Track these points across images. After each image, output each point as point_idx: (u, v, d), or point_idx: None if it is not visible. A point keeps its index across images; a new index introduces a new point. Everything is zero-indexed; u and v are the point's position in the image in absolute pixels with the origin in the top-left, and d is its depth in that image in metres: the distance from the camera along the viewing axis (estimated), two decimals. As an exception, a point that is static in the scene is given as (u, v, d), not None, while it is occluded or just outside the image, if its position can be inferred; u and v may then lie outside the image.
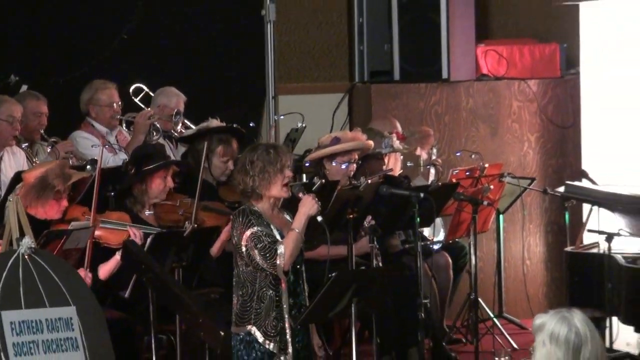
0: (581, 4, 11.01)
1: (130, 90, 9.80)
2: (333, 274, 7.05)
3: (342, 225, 8.17)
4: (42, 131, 9.08)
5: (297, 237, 6.90)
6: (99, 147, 8.25)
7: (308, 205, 6.97)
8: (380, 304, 7.77)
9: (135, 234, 7.83)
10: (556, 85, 11.30)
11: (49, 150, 8.88)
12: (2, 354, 6.38)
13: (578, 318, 5.25)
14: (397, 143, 9.60)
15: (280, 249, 6.85)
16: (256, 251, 6.88)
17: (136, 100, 9.83)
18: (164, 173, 8.32)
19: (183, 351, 7.47)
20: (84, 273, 7.26)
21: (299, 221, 6.94)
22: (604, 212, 9.58)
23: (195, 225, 8.04)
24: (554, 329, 5.23)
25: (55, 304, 6.67)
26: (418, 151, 10.07)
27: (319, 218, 7.01)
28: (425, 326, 8.51)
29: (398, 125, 10.09)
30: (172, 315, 7.56)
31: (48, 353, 6.56)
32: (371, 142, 9.23)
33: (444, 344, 9.35)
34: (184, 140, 9.39)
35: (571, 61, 11.31)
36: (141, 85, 9.86)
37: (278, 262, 6.85)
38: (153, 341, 7.43)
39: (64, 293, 6.75)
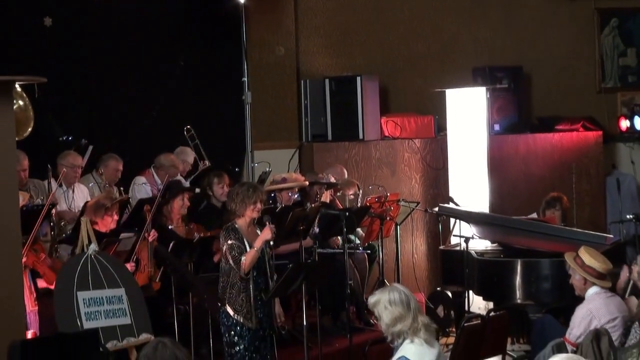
0: (447, 91, 11.16)
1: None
2: (290, 265, 7.08)
3: (296, 234, 8.16)
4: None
5: (254, 254, 6.77)
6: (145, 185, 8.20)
7: (266, 233, 6.84)
8: (320, 284, 7.77)
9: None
10: (432, 142, 11.26)
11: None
12: (78, 320, 6.39)
13: (397, 285, 5.30)
14: (332, 179, 9.66)
15: (243, 259, 6.76)
16: (230, 257, 6.80)
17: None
18: (182, 196, 8.31)
19: (194, 316, 7.40)
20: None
21: (258, 243, 6.81)
22: (463, 223, 9.66)
23: (201, 235, 8.00)
24: (389, 297, 5.20)
25: (111, 286, 6.68)
26: (344, 191, 9.98)
27: (272, 242, 6.93)
28: (351, 298, 8.60)
29: (345, 171, 10.14)
30: (186, 293, 7.53)
31: (107, 319, 6.56)
32: (307, 182, 9.24)
33: (363, 310, 9.35)
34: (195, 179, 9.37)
35: (441, 127, 11.31)
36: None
37: (241, 267, 6.78)
38: (175, 310, 7.42)
39: (117, 279, 6.75)
